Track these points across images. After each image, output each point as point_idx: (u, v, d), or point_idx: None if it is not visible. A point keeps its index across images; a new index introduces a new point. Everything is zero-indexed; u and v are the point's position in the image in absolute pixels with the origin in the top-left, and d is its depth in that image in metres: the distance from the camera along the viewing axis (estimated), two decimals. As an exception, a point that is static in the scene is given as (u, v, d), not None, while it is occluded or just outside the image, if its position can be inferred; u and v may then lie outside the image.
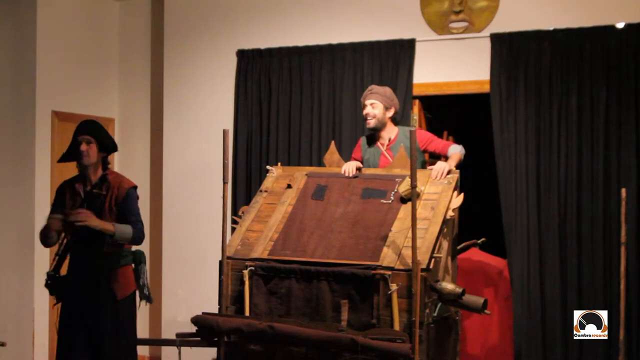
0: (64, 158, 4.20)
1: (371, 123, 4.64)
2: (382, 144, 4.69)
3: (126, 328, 4.13)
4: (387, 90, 4.72)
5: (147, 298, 4.27)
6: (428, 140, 4.65)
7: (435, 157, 4.83)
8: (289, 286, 3.88)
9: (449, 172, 4.26)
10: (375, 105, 4.63)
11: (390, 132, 4.69)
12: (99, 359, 4.01)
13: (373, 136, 4.75)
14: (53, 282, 4.14)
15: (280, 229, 4.17)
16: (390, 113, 4.67)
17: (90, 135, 4.08)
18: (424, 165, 4.63)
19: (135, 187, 4.21)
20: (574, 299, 4.93)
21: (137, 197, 4.23)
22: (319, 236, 4.05)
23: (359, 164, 4.49)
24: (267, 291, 3.93)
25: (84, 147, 4.05)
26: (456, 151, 4.51)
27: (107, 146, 4.16)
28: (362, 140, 4.85)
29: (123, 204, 4.11)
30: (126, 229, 4.05)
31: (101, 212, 4.05)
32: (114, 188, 4.12)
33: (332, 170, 4.53)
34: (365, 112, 4.67)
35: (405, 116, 5.27)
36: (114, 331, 4.04)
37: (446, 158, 4.57)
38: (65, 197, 4.15)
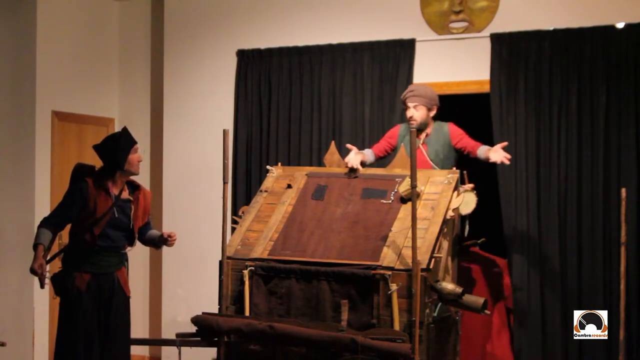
0: (114, 164, 4.14)
1: (414, 125, 4.63)
2: (420, 137, 4.70)
3: (129, 324, 4.31)
4: (429, 90, 4.71)
5: None
6: (460, 136, 4.68)
7: (461, 154, 4.80)
8: (289, 286, 3.88)
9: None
10: (419, 108, 4.65)
11: (429, 127, 4.72)
12: (109, 352, 4.13)
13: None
14: (59, 281, 4.15)
15: (280, 229, 4.16)
16: (433, 113, 4.71)
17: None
18: (456, 163, 4.62)
19: None
20: (574, 299, 4.93)
21: None
22: (319, 236, 4.05)
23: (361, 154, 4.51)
24: (267, 291, 3.93)
25: (140, 157, 4.22)
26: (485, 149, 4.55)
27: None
28: (400, 128, 4.86)
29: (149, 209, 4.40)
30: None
31: (134, 217, 4.23)
32: (144, 196, 4.32)
33: (332, 170, 4.53)
34: (408, 114, 4.67)
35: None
36: (123, 326, 4.23)
37: (474, 157, 4.61)
38: (93, 196, 4.10)
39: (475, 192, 4.44)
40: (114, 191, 4.17)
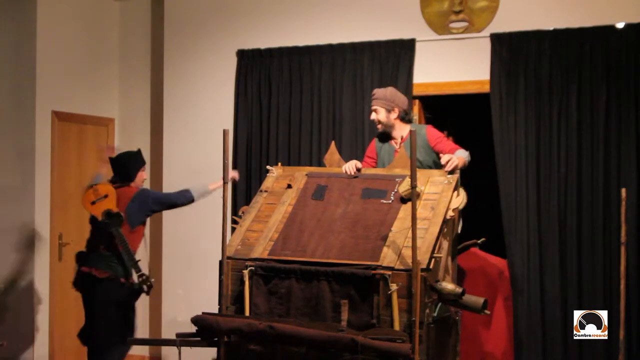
0: (126, 176, 4.95)
1: (379, 128, 4.70)
2: (396, 142, 4.71)
3: None
4: (388, 92, 4.70)
5: None
6: (438, 139, 4.64)
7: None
8: (289, 286, 3.88)
9: (453, 170, 4.23)
10: (378, 111, 4.66)
11: (402, 130, 4.68)
12: None
13: (386, 135, 4.75)
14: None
15: (280, 229, 4.16)
16: (395, 114, 4.67)
17: None
18: (437, 165, 4.59)
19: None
20: (574, 299, 4.94)
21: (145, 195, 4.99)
22: (319, 236, 4.05)
23: (359, 163, 4.50)
24: (267, 291, 3.93)
25: (145, 176, 5.16)
26: (462, 155, 4.49)
27: None
28: (376, 140, 4.86)
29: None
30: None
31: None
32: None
33: (332, 170, 4.53)
34: (371, 118, 4.72)
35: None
36: None
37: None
38: None
39: (463, 187, 4.42)
40: None
